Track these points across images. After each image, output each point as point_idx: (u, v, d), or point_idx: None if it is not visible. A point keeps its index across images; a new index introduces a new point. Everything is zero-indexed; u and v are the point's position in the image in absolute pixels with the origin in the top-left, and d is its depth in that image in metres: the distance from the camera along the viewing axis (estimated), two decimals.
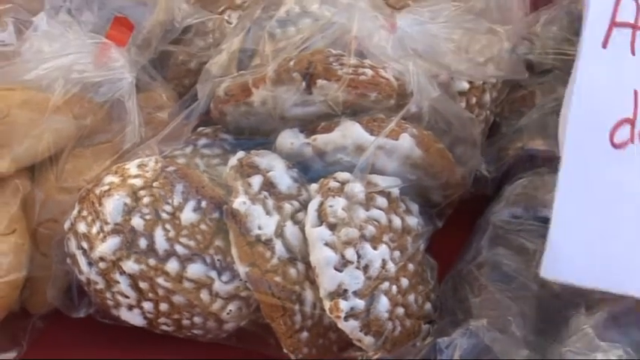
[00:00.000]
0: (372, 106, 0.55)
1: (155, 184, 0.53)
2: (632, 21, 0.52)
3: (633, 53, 0.52)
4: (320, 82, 0.54)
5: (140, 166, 0.54)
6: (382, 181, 0.54)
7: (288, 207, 0.52)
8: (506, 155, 0.65)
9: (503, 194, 0.61)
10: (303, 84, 0.54)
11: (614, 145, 0.50)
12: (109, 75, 0.59)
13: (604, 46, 0.52)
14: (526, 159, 0.64)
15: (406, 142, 0.54)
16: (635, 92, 0.51)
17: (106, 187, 0.53)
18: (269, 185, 0.53)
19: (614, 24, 0.52)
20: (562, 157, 0.49)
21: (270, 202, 0.52)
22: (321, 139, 0.55)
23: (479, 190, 0.64)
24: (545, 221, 0.54)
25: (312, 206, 0.52)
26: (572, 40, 0.64)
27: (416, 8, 0.60)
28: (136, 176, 0.53)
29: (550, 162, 0.58)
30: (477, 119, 0.61)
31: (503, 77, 0.63)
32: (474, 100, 0.63)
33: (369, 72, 0.54)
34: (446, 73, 0.58)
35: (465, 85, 0.63)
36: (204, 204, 0.52)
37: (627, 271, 0.49)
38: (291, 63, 0.55)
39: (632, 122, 0.50)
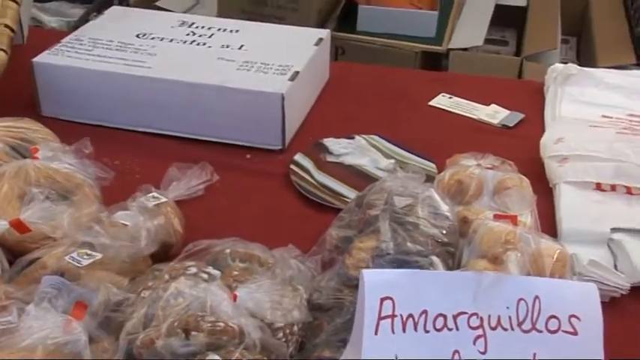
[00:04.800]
0: (225, 344, 0.80)
1: None
2: (390, 313, 0.69)
3: (393, 332, 0.70)
4: (193, 333, 0.79)
5: None
6: None
7: None
8: None
9: None
10: (183, 335, 0.80)
11: None
12: (71, 338, 0.81)
13: (375, 333, 0.69)
14: None
15: None
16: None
17: None
18: None
19: (380, 318, 0.69)
20: None
21: None
22: None
23: None
24: None
25: None
26: (341, 290, 0.88)
27: (249, 284, 0.85)
28: None
29: None
30: (288, 343, 0.85)
31: (303, 320, 0.87)
32: (287, 331, 0.85)
33: (222, 324, 0.79)
34: (269, 319, 0.84)
35: (280, 324, 0.85)
36: None
37: None
38: (176, 323, 0.80)
39: None
